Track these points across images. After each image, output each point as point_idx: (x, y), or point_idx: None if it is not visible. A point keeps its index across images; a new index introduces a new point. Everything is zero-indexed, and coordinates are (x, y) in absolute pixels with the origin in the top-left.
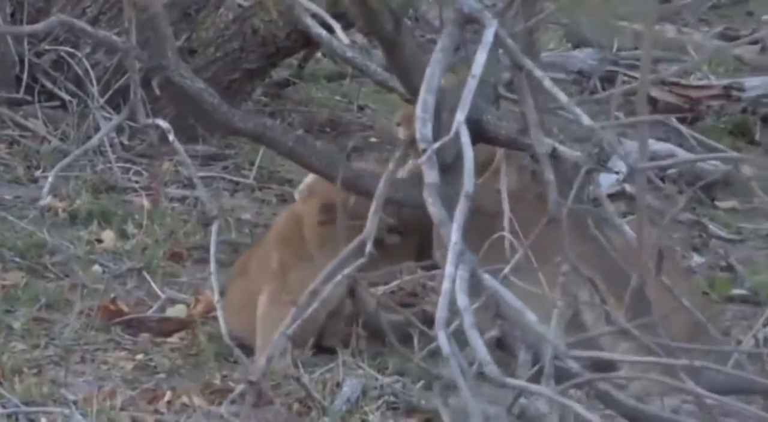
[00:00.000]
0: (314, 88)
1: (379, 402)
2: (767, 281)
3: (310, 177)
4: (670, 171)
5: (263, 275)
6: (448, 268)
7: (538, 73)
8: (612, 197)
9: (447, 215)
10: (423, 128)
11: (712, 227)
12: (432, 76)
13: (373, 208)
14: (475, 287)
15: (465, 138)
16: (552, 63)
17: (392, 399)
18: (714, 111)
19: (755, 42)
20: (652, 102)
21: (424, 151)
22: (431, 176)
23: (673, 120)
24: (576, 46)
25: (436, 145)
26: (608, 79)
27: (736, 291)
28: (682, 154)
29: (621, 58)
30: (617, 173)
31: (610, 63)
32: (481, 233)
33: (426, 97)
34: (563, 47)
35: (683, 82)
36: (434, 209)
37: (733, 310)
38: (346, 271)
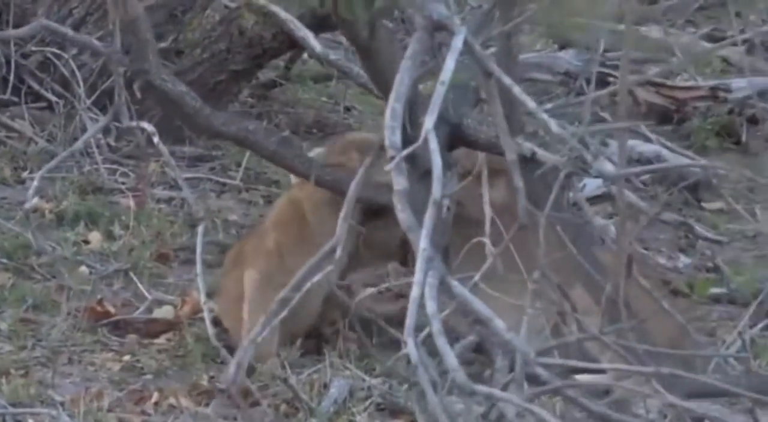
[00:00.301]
0: (301, 89)
1: (367, 403)
2: (751, 282)
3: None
4: (656, 174)
5: (256, 255)
6: (417, 275)
7: (506, 80)
8: (598, 199)
9: (416, 221)
10: (392, 136)
11: (698, 228)
12: (401, 83)
13: (342, 213)
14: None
15: (434, 145)
16: (538, 64)
17: (379, 400)
18: (701, 112)
19: (742, 43)
20: (640, 103)
21: (393, 158)
22: (400, 182)
23: (642, 127)
24: (562, 47)
25: (404, 152)
26: (597, 81)
27: (716, 290)
28: (668, 156)
29: (608, 60)
30: (596, 177)
31: (597, 64)
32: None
33: (395, 105)
34: (549, 48)
35: (670, 83)
36: (403, 215)
37: (719, 311)
38: (317, 278)
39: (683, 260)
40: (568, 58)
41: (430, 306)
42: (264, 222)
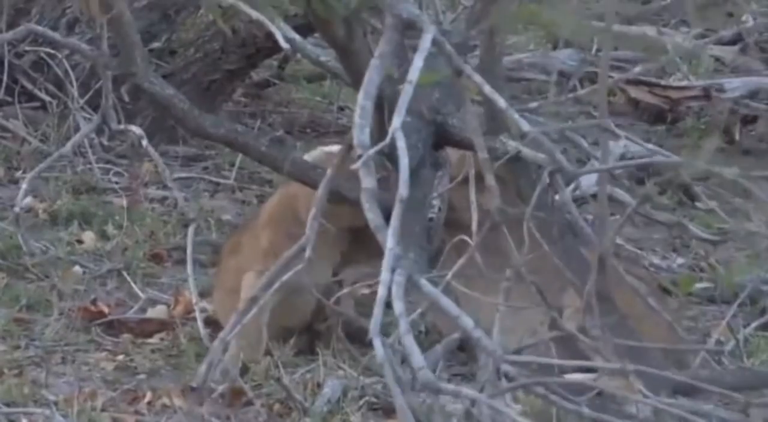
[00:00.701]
0: (294, 89)
1: (360, 402)
2: (744, 281)
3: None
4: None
5: (253, 255)
6: (384, 274)
7: (477, 78)
8: (593, 197)
9: (383, 220)
10: (360, 134)
11: (692, 227)
12: (370, 82)
13: (312, 213)
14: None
15: (401, 143)
16: (532, 64)
17: (373, 399)
18: (694, 112)
19: (735, 42)
20: (634, 103)
21: (360, 157)
22: (368, 181)
23: (611, 125)
24: (555, 47)
25: (372, 150)
26: (589, 80)
27: (710, 290)
28: (663, 155)
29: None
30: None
31: (590, 64)
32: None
33: (364, 103)
34: (543, 48)
35: (663, 83)
36: (371, 214)
37: (713, 311)
38: (286, 277)
39: (677, 259)
40: (561, 57)
41: (398, 306)
42: (258, 218)
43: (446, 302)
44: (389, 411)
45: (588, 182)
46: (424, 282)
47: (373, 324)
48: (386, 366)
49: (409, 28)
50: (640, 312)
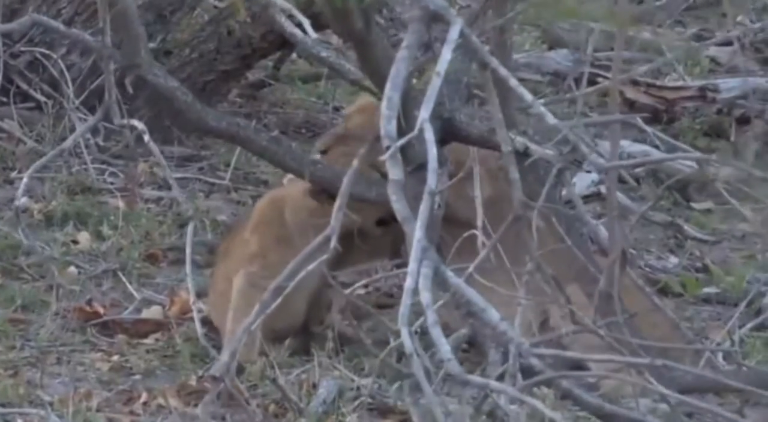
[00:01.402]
0: (290, 89)
1: (356, 403)
2: (740, 282)
3: None
4: (647, 172)
5: (242, 258)
6: (412, 265)
7: (503, 71)
8: (588, 198)
9: (411, 212)
10: (387, 125)
11: (687, 228)
12: (397, 73)
13: (337, 204)
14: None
15: (429, 135)
16: (527, 64)
17: (369, 400)
18: (689, 112)
19: (730, 43)
20: (629, 103)
21: (389, 148)
22: (395, 173)
23: (638, 120)
24: (551, 47)
25: (401, 142)
26: (588, 81)
27: (707, 290)
28: (658, 155)
29: (596, 60)
30: (589, 171)
31: (585, 64)
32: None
33: (391, 94)
34: (538, 48)
35: (659, 83)
36: (398, 205)
37: (708, 311)
38: (311, 266)
39: (672, 259)
40: (557, 58)
41: (425, 297)
42: (247, 221)
43: (472, 295)
44: (385, 411)
45: (584, 182)
46: (450, 274)
47: (402, 314)
48: (414, 358)
49: (436, 20)
50: (639, 311)
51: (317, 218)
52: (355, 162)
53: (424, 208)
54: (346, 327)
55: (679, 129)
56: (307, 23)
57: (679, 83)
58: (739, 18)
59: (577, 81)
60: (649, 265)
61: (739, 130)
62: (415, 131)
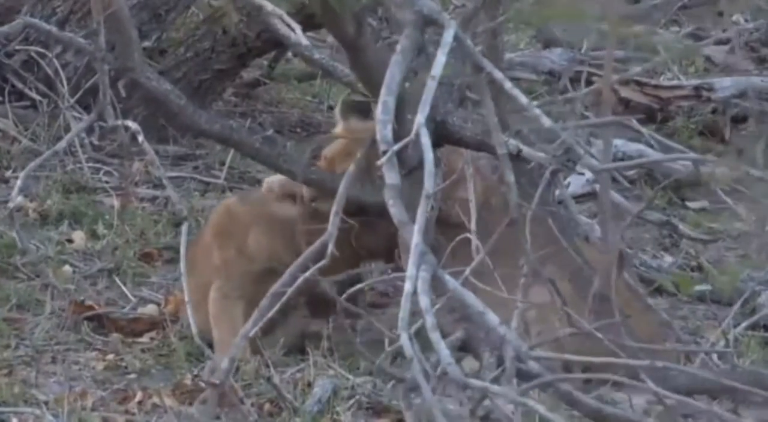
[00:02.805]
0: (285, 88)
1: (351, 402)
2: (734, 281)
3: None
4: (641, 172)
5: (209, 271)
6: (410, 269)
7: (498, 75)
8: (582, 197)
9: (408, 216)
10: (383, 130)
11: (682, 227)
12: (392, 78)
13: (334, 209)
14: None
15: (425, 139)
16: (522, 63)
17: (364, 399)
18: (684, 111)
19: (725, 42)
20: (624, 102)
21: (385, 152)
22: (392, 177)
23: (633, 122)
24: (546, 47)
25: (397, 146)
26: (579, 80)
27: (702, 289)
28: (652, 154)
29: (591, 59)
30: (581, 173)
31: (580, 63)
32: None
33: (386, 99)
34: (533, 48)
35: (654, 82)
36: (395, 210)
37: (702, 310)
38: (308, 273)
39: (667, 259)
40: (552, 57)
41: (423, 301)
42: (205, 230)
43: (470, 298)
44: (379, 410)
45: (578, 182)
46: (448, 278)
47: (401, 318)
48: (414, 362)
49: (429, 25)
50: (629, 309)
51: (270, 228)
52: (351, 168)
53: (420, 212)
54: (341, 328)
55: (674, 128)
56: (298, 29)
57: (674, 82)
58: (734, 17)
59: (573, 80)
60: (644, 264)
61: (734, 129)
62: (412, 135)
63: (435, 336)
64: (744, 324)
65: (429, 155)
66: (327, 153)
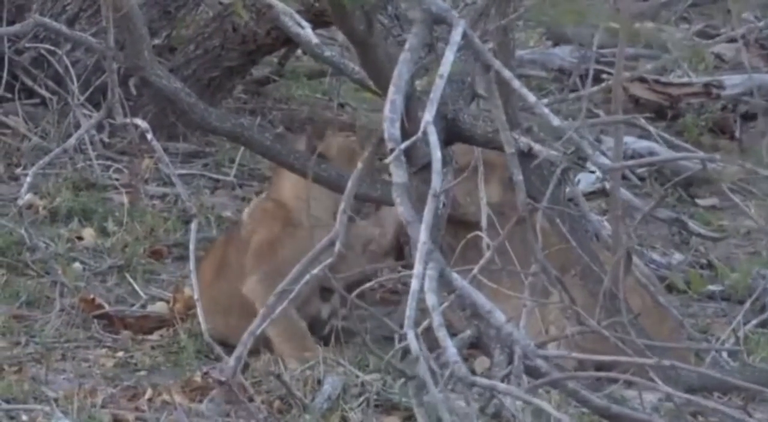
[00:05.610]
0: (294, 85)
1: (360, 399)
2: (744, 278)
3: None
4: (651, 169)
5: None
6: (417, 267)
7: (506, 73)
8: (592, 195)
9: (416, 214)
10: (391, 128)
11: (692, 224)
12: (400, 76)
13: (341, 207)
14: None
15: (433, 137)
16: (532, 61)
17: (373, 396)
18: (694, 109)
19: (735, 40)
20: (634, 100)
21: (392, 151)
22: (399, 175)
23: (641, 120)
24: (556, 44)
25: (405, 144)
26: (588, 77)
27: (712, 287)
28: (663, 152)
29: (601, 56)
30: (593, 172)
31: (590, 60)
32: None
33: (394, 97)
34: (543, 45)
35: (664, 80)
36: (402, 208)
37: (713, 307)
38: (315, 270)
39: (677, 256)
40: (561, 54)
41: (431, 299)
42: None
43: (478, 297)
44: (389, 408)
45: (588, 180)
46: (455, 276)
47: (408, 316)
48: (420, 360)
49: (438, 23)
50: (641, 308)
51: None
52: (359, 166)
53: (428, 210)
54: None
55: (684, 125)
56: (308, 27)
57: (684, 80)
58: (744, 15)
59: (582, 77)
60: (653, 261)
61: (743, 126)
62: (419, 134)
63: (441, 334)
64: (754, 322)
65: (437, 154)
66: None
